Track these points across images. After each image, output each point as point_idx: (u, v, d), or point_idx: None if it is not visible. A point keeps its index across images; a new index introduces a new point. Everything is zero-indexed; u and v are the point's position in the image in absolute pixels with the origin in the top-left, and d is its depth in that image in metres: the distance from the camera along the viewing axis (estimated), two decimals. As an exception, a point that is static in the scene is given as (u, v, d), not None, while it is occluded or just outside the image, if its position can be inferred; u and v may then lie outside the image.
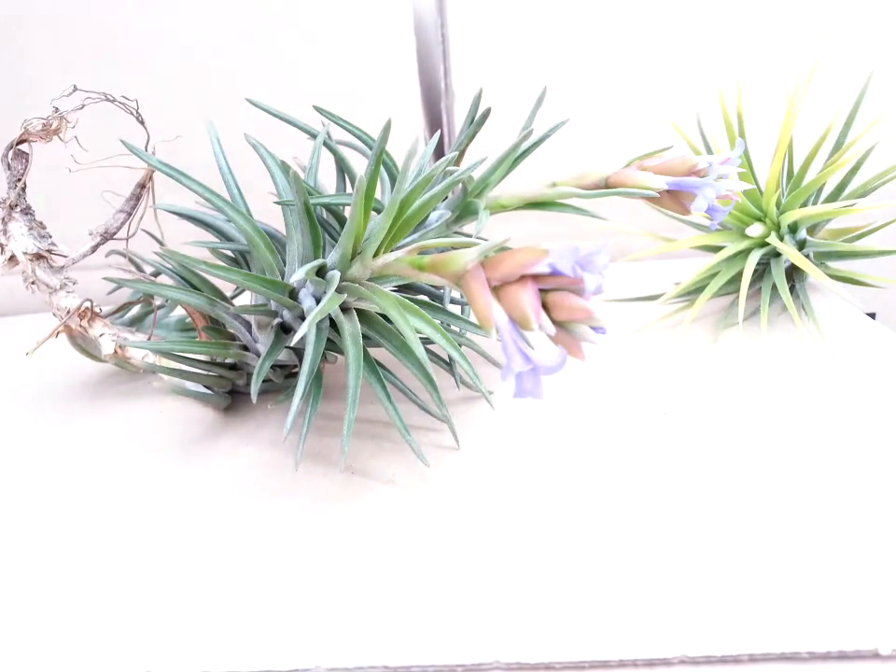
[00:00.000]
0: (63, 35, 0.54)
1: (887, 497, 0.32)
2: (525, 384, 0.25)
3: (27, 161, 0.37)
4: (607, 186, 0.36)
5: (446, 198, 0.39)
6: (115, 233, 0.40)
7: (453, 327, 0.38)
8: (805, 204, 0.47)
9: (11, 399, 0.44)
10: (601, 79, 0.58)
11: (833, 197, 0.48)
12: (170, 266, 0.38)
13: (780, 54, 0.57)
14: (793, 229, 0.47)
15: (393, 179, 0.41)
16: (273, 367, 0.38)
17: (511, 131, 0.39)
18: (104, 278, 0.35)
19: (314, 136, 0.40)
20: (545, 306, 0.25)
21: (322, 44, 0.56)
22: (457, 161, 0.40)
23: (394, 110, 0.57)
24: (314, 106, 0.40)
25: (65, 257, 0.39)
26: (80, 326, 0.40)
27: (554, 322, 0.25)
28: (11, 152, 0.37)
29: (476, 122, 0.39)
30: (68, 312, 0.39)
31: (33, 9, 0.53)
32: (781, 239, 0.47)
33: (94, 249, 0.39)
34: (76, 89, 0.36)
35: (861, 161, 0.46)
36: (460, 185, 0.37)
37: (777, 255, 0.46)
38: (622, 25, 0.57)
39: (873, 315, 0.64)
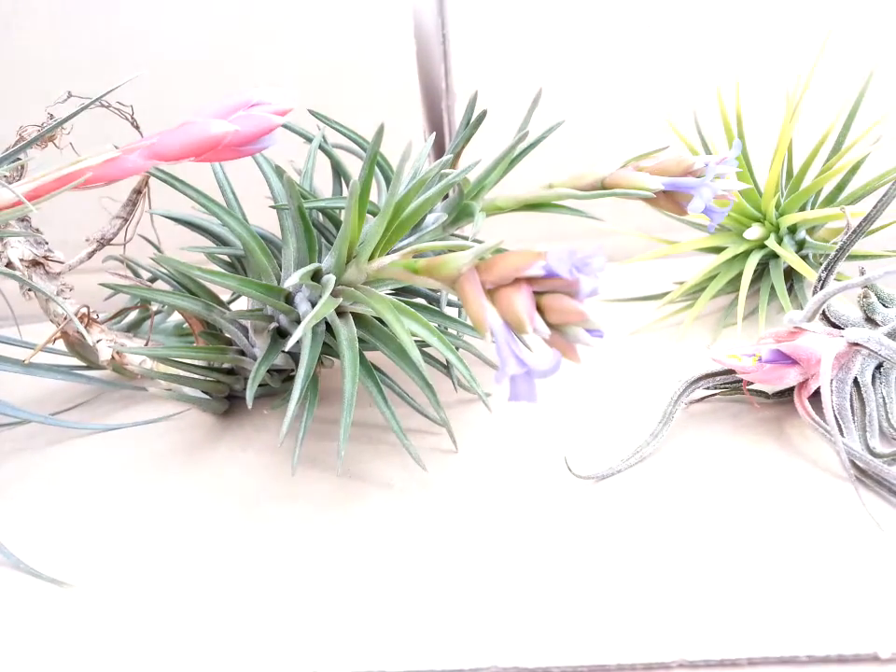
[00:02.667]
0: (61, 37, 0.54)
1: (887, 499, 0.32)
2: (520, 387, 0.25)
3: (23, 168, 0.37)
4: (603, 187, 0.36)
5: (447, 196, 0.39)
6: (111, 239, 0.40)
7: (450, 329, 0.38)
8: (804, 207, 0.47)
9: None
10: (600, 79, 0.58)
11: (832, 197, 0.47)
12: (166, 271, 0.38)
13: (780, 54, 0.56)
14: (793, 230, 0.47)
15: (390, 182, 0.41)
16: (270, 371, 0.38)
17: (513, 131, 0.39)
18: (100, 284, 0.35)
19: (309, 140, 0.40)
20: (539, 309, 0.25)
21: (321, 45, 0.56)
22: (454, 164, 0.40)
23: (395, 111, 0.57)
24: (309, 110, 0.40)
25: (62, 263, 0.39)
26: (77, 332, 0.40)
27: (549, 325, 0.25)
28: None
29: (472, 125, 0.39)
30: (65, 318, 0.39)
31: (32, 10, 0.53)
32: (780, 240, 0.46)
33: (91, 255, 0.39)
34: (70, 95, 0.36)
35: (861, 162, 0.46)
36: (456, 187, 0.37)
37: (777, 255, 0.46)
38: (621, 25, 0.57)
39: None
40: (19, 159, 0.36)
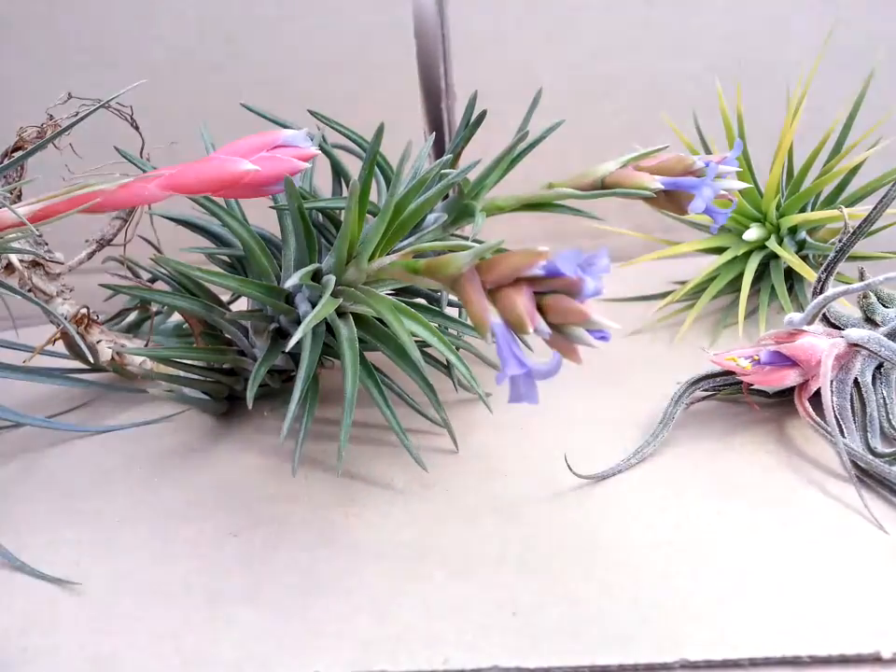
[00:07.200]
0: (59, 39, 0.54)
1: (888, 499, 0.32)
2: (521, 388, 0.24)
3: (22, 168, 0.37)
4: (603, 186, 0.36)
5: (447, 196, 0.39)
6: (111, 240, 0.40)
7: (450, 329, 0.38)
8: (804, 208, 0.47)
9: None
10: (600, 79, 0.58)
11: (833, 197, 0.47)
12: (166, 272, 0.38)
13: (781, 54, 0.56)
14: (793, 230, 0.47)
15: (390, 182, 0.41)
16: (270, 372, 0.38)
17: (513, 131, 0.39)
18: (100, 285, 0.35)
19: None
20: (541, 309, 0.25)
21: (321, 45, 0.56)
22: (454, 164, 0.40)
23: (395, 111, 0.57)
24: (308, 110, 0.40)
25: (62, 264, 0.39)
26: (78, 332, 0.40)
27: (550, 325, 0.25)
28: (6, 160, 0.37)
29: (471, 125, 0.39)
30: (65, 319, 0.39)
31: (29, 12, 0.53)
32: (781, 241, 0.46)
33: (91, 256, 0.39)
34: (70, 96, 0.36)
35: (861, 164, 0.46)
36: (456, 187, 0.37)
37: (777, 256, 0.46)
38: (621, 25, 0.57)
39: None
40: (21, 166, 0.36)
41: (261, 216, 0.39)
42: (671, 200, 0.36)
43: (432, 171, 0.32)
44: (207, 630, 0.28)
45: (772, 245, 0.46)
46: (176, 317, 0.46)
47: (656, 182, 0.35)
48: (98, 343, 0.40)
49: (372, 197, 0.34)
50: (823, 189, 0.46)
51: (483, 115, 0.39)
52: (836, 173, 0.45)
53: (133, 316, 0.46)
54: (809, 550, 0.29)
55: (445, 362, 0.39)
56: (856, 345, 0.35)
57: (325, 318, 0.33)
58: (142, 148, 0.38)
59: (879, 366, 0.37)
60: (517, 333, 0.25)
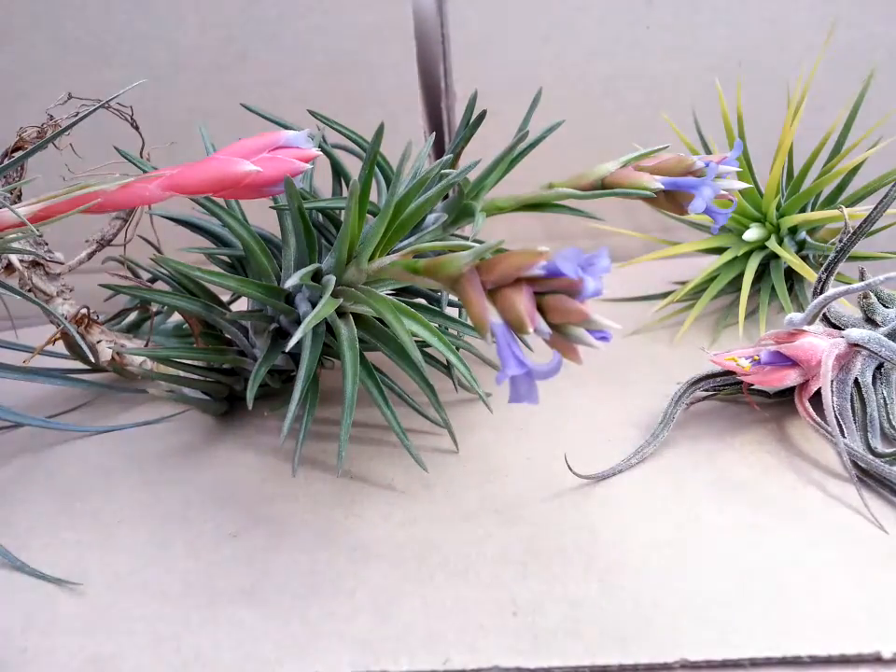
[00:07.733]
0: (59, 39, 0.54)
1: (889, 498, 0.32)
2: (521, 388, 0.24)
3: (22, 168, 0.37)
4: (603, 187, 0.36)
5: (447, 196, 0.39)
6: (111, 240, 0.40)
7: (451, 329, 0.38)
8: (804, 208, 0.47)
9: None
10: (600, 79, 0.58)
11: (833, 197, 0.47)
12: (166, 272, 0.38)
13: (781, 54, 0.56)
14: (793, 231, 0.47)
15: (390, 182, 0.41)
16: (270, 372, 0.38)
17: (513, 131, 0.39)
18: (100, 285, 0.35)
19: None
20: (541, 309, 0.25)
21: (321, 45, 0.56)
22: (454, 164, 0.40)
23: (395, 111, 0.57)
24: (308, 110, 0.40)
25: (62, 264, 0.39)
26: (79, 332, 0.40)
27: (550, 325, 0.25)
28: (6, 160, 0.37)
29: (471, 125, 0.39)
30: (65, 319, 0.39)
31: (29, 12, 0.53)
32: (781, 241, 0.46)
33: (91, 256, 0.39)
34: (70, 96, 0.36)
35: (861, 164, 0.46)
36: (456, 187, 0.37)
37: (778, 256, 0.46)
38: (621, 25, 0.57)
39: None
40: (21, 166, 0.36)
41: (261, 216, 0.39)
42: (671, 200, 0.36)
43: (432, 171, 0.32)
44: (207, 630, 0.28)
45: (772, 245, 0.46)
46: (176, 317, 0.46)
47: (656, 182, 0.35)
48: (98, 343, 0.40)
49: (372, 197, 0.34)
50: (823, 189, 0.46)
51: (482, 115, 0.39)
52: (836, 173, 0.45)
53: (133, 316, 0.46)
54: (809, 549, 0.29)
55: (445, 362, 0.39)
56: (856, 345, 0.35)
57: (325, 318, 0.33)
58: (142, 148, 0.38)
59: (879, 366, 0.37)
60: (517, 333, 0.25)
